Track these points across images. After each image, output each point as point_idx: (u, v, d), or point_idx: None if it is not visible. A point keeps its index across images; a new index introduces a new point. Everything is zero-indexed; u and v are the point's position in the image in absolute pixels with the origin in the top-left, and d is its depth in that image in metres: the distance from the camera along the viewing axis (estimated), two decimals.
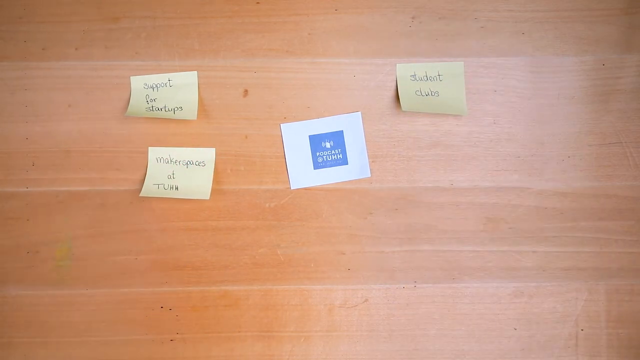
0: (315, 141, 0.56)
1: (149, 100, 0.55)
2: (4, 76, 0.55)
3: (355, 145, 0.56)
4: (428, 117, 0.55)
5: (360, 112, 0.55)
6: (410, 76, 0.55)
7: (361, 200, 0.56)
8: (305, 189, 0.56)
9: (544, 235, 0.56)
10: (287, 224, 0.56)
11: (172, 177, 0.55)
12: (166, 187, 0.55)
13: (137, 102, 0.55)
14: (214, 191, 0.55)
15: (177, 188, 0.55)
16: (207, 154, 0.55)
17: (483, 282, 0.56)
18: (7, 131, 0.55)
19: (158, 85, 0.55)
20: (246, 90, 0.55)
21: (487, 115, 0.55)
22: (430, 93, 0.54)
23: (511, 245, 0.56)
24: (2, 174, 0.56)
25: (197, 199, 0.55)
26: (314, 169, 0.56)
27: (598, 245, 0.55)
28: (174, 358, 0.56)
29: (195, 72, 0.55)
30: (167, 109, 0.54)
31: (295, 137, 0.55)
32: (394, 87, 0.55)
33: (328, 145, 0.56)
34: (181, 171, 0.55)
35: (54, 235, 0.56)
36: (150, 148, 0.55)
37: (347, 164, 0.56)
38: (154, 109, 0.54)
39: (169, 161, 0.55)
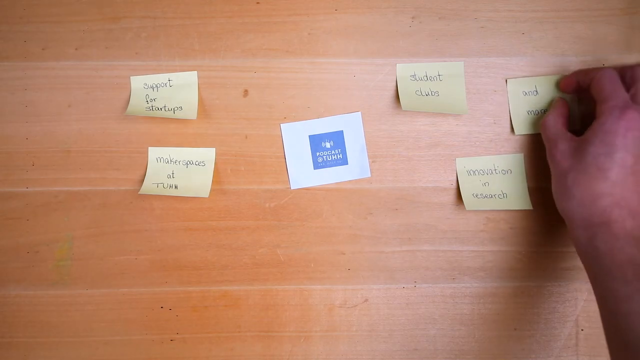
0: (315, 141, 0.56)
1: (148, 100, 0.55)
2: (4, 76, 0.55)
3: (355, 145, 0.56)
4: (428, 117, 0.55)
5: (360, 112, 0.55)
6: (410, 76, 0.55)
7: (361, 200, 0.56)
8: (305, 189, 0.56)
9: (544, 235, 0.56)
10: (287, 224, 0.56)
11: (171, 176, 0.55)
12: (165, 185, 0.55)
13: (137, 102, 0.55)
14: (214, 191, 0.55)
15: (176, 187, 0.55)
16: (207, 154, 0.55)
17: (483, 282, 0.56)
18: (7, 131, 0.55)
19: (158, 85, 0.55)
20: (246, 90, 0.55)
21: (487, 115, 0.55)
22: (430, 93, 0.54)
23: (511, 245, 0.56)
24: (2, 174, 0.56)
25: (197, 200, 0.55)
26: (314, 169, 0.56)
27: None
28: (174, 358, 0.56)
29: (195, 72, 0.55)
30: (167, 109, 0.54)
31: (295, 137, 0.55)
32: (394, 87, 0.55)
33: (328, 145, 0.56)
34: (181, 171, 0.55)
35: (54, 235, 0.56)
36: (150, 148, 0.55)
37: (347, 164, 0.56)
38: (153, 109, 0.54)
39: (169, 161, 0.55)
